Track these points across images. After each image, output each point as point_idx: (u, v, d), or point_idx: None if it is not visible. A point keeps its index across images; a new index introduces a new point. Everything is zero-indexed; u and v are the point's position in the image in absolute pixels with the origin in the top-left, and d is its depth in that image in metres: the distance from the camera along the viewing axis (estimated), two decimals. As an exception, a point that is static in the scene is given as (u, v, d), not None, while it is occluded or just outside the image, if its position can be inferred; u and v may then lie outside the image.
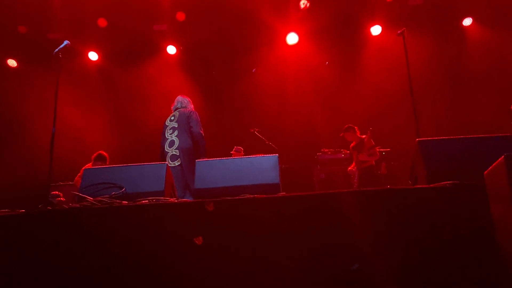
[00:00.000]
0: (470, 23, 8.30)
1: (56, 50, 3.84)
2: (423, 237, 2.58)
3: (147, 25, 8.43)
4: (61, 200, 5.35)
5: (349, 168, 7.05)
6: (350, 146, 7.11)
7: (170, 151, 4.80)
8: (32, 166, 7.66)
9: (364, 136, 6.83)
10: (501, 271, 2.30)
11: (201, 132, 4.87)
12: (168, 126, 5.00)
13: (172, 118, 5.05)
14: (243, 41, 8.87)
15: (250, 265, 2.51)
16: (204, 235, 2.55)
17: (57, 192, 5.56)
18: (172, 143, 4.83)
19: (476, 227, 2.50)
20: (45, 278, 2.55)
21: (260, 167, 3.19)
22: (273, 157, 3.25)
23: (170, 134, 4.90)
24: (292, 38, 8.66)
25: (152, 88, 8.93)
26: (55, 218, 2.67)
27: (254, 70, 9.14)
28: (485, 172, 2.40)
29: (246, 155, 7.11)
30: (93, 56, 8.91)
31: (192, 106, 5.32)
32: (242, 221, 2.62)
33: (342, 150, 7.67)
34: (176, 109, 5.18)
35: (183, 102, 5.23)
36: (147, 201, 2.81)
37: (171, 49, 8.94)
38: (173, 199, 2.96)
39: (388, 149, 7.67)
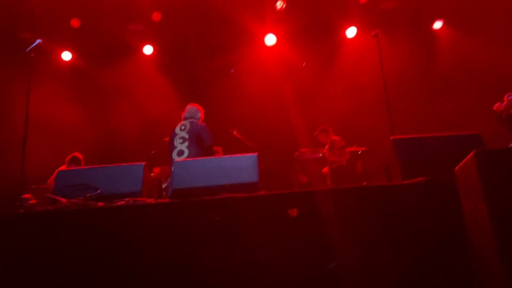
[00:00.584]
0: (441, 26, 8.58)
1: (28, 49, 3.74)
2: (397, 233, 2.65)
3: (123, 25, 8.30)
4: (32, 203, 5.20)
5: (324, 170, 7.16)
6: (325, 148, 7.22)
7: (177, 160, 4.81)
8: (3, 169, 7.39)
9: (335, 137, 6.93)
10: (472, 263, 2.39)
11: (212, 144, 5.00)
12: (178, 134, 5.04)
13: (183, 127, 5.07)
14: (220, 42, 8.86)
15: (227, 262, 2.51)
16: (183, 233, 2.54)
17: (28, 195, 5.40)
18: (181, 152, 4.89)
19: (448, 222, 2.58)
20: (18, 281, 2.47)
21: (239, 166, 3.19)
22: (252, 156, 3.25)
23: (180, 143, 4.94)
24: (270, 39, 8.71)
25: (128, 88, 8.80)
26: (27, 221, 2.59)
27: (232, 71, 9.13)
28: (456, 168, 2.48)
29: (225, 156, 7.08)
30: (66, 56, 8.69)
31: (202, 114, 5.35)
32: (222, 219, 2.61)
33: (320, 149, 7.76)
34: (186, 118, 5.19)
35: (191, 111, 5.26)
36: (123, 202, 2.77)
37: (148, 49, 8.83)
38: (150, 200, 2.93)
39: (364, 148, 7.81)
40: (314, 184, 7.30)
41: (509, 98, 5.62)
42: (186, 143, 4.90)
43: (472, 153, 2.10)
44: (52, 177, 6.00)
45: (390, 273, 2.59)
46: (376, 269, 2.59)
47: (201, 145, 4.93)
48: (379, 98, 5.02)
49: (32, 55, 3.78)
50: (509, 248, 1.87)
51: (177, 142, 4.95)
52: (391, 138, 3.34)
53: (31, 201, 5.34)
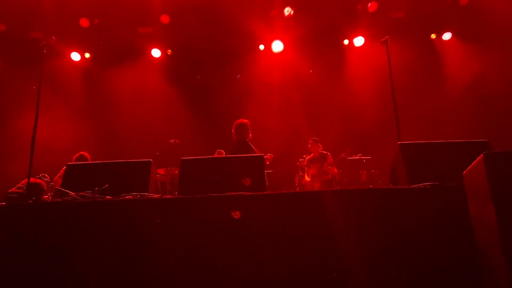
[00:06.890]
0: (450, 37, 8.61)
1: (42, 44, 3.80)
2: (403, 237, 2.63)
3: (132, 27, 8.39)
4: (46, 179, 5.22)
5: (306, 181, 7.19)
6: (307, 158, 7.24)
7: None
8: (12, 166, 7.42)
9: (326, 152, 7.18)
10: (480, 268, 2.37)
11: None
12: None
13: None
14: (228, 47, 8.93)
15: (230, 257, 2.51)
16: (191, 229, 2.54)
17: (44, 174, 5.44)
18: None
19: (455, 226, 2.57)
20: (21, 270, 2.48)
21: (246, 166, 3.21)
22: (258, 157, 3.27)
23: None
24: (277, 46, 8.77)
25: (135, 90, 8.88)
26: (36, 211, 2.61)
27: (238, 75, 9.19)
28: (464, 172, 2.47)
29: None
30: (75, 56, 8.79)
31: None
32: (228, 217, 2.61)
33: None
34: None
35: None
36: (131, 196, 2.78)
37: (156, 52, 8.91)
38: (157, 195, 2.94)
39: (369, 157, 7.80)
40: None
41: None
42: None
43: (481, 155, 2.10)
44: (59, 174, 6.03)
45: (395, 277, 2.56)
46: (381, 273, 2.57)
47: None
48: (386, 107, 5.01)
49: (44, 51, 3.84)
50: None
51: None
52: (398, 143, 3.34)
53: (46, 179, 5.38)
